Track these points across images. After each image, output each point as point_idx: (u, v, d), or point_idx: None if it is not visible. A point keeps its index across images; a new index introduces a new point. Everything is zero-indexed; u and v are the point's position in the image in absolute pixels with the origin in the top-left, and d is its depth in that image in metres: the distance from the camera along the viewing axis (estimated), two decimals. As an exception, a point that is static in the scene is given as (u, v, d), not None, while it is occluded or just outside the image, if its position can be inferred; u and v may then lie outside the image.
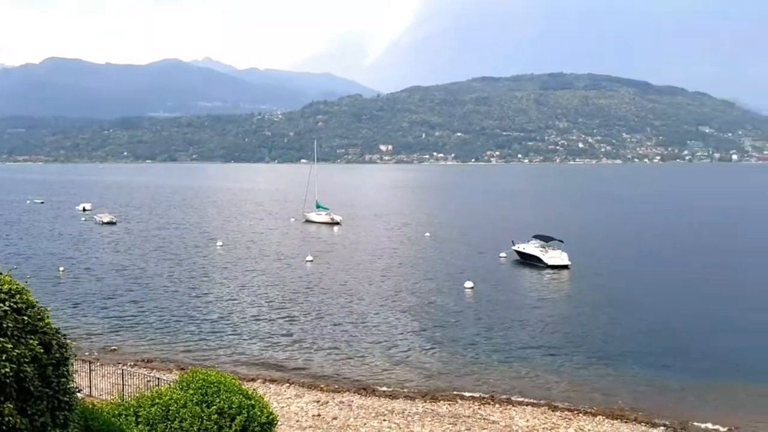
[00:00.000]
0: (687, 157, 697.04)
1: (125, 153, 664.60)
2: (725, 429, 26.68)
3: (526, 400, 29.85)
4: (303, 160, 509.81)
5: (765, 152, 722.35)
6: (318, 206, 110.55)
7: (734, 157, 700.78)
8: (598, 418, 27.59)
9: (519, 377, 33.23)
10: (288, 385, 31.49)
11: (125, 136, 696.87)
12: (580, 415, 27.95)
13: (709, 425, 27.03)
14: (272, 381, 32.07)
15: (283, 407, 27.36)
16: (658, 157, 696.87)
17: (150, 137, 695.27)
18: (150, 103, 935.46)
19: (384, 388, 31.42)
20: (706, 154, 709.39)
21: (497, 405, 29.05)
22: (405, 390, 31.24)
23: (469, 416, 27.40)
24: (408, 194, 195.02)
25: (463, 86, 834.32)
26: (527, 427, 26.26)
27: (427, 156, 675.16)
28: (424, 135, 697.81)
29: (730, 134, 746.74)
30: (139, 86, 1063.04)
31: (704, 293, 53.42)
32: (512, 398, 30.09)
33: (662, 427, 26.61)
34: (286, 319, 44.48)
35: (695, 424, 27.20)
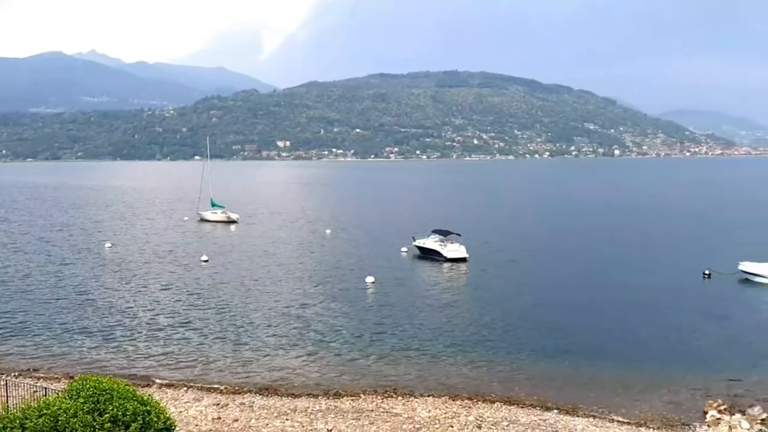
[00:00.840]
0: (574, 153, 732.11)
1: (4, 151, 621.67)
2: (610, 410, 28.11)
3: (427, 391, 30.28)
4: (196, 157, 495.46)
5: (644, 147, 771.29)
6: (213, 204, 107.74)
7: (616, 152, 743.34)
8: (496, 404, 28.40)
9: (421, 369, 33.67)
10: (186, 389, 30.43)
11: (4, 133, 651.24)
12: (480, 403, 28.67)
13: (596, 408, 28.37)
14: (169, 386, 30.88)
15: (181, 412, 26.41)
16: (548, 153, 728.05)
17: (31, 134, 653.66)
18: (31, 99, 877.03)
19: (286, 387, 30.98)
20: (591, 149, 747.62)
21: (400, 398, 29.30)
22: (308, 388, 30.94)
23: (372, 410, 27.48)
24: (307, 191, 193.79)
25: (361, 82, 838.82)
26: (429, 417, 26.63)
27: (326, 152, 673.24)
28: (322, 131, 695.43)
29: (612, 131, 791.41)
30: (19, 81, 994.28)
31: (593, 282, 56.29)
32: (414, 390, 30.44)
33: (555, 411, 27.71)
34: (182, 322, 42.94)
35: (584, 407, 28.49)
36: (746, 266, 54.71)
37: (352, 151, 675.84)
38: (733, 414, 26.92)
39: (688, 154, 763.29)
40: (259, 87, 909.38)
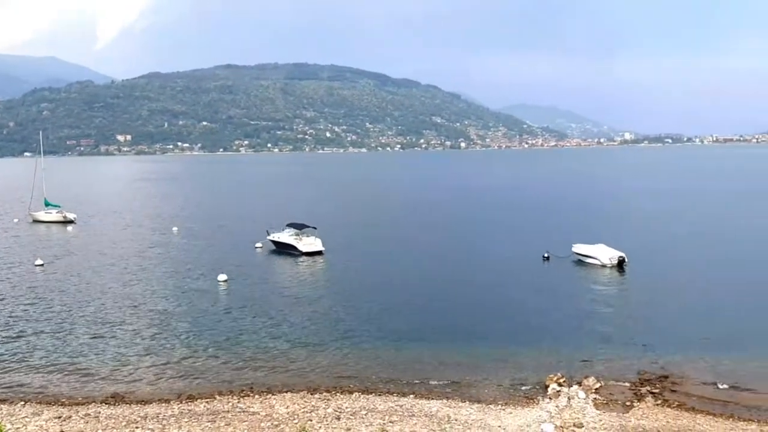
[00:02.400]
0: (423, 146, 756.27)
1: None
2: (462, 391, 29.34)
3: (285, 387, 29.95)
4: (27, 154, 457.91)
5: (487, 140, 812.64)
6: (47, 204, 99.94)
7: (462, 144, 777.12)
8: (354, 395, 28.68)
9: (278, 366, 33.24)
10: (23, 403, 27.97)
11: None
12: (338, 394, 28.82)
13: (449, 390, 29.53)
14: (3, 401, 28.23)
15: (18, 428, 24.24)
16: (399, 146, 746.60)
17: None
18: None
19: (135, 395, 29.36)
20: (439, 142, 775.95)
21: (257, 396, 28.75)
22: (158, 393, 29.52)
23: (228, 411, 26.75)
24: (151, 187, 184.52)
25: (207, 73, 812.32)
26: (287, 413, 26.37)
27: (171, 146, 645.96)
28: (166, 124, 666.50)
29: (458, 124, 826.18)
30: None
31: (443, 269, 58.31)
32: (272, 388, 29.99)
33: (411, 396, 28.47)
34: (17, 333, 39.36)
35: (438, 389, 29.55)
36: (579, 248, 59.27)
37: (199, 145, 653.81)
38: (571, 386, 29.03)
39: (526, 146, 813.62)
40: (94, 78, 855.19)
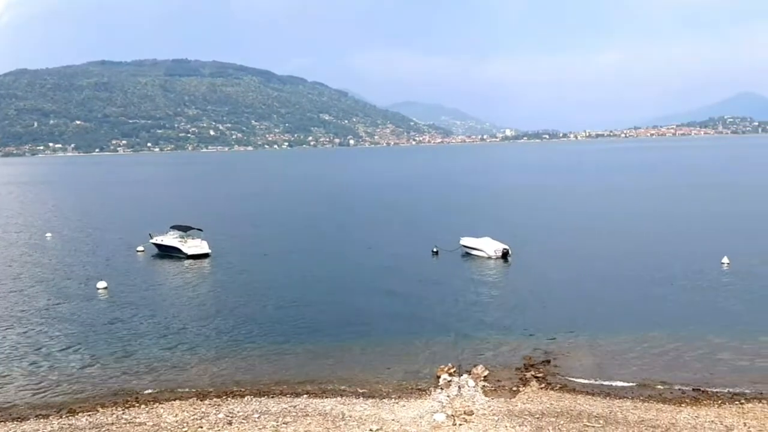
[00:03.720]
0: (312, 143, 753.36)
1: None
2: (356, 387, 29.44)
3: (173, 395, 28.83)
4: None
5: (376, 137, 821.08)
6: None
7: (351, 141, 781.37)
8: (246, 398, 28.04)
9: (164, 374, 31.96)
10: None
11: None
12: (229, 398, 28.08)
13: (343, 387, 29.51)
14: None
15: None
16: (287, 143, 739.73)
17: None
18: None
19: (9, 412, 27.25)
20: (327, 139, 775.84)
21: (143, 406, 27.49)
22: (36, 408, 27.56)
23: (112, 423, 25.40)
24: (19, 192, 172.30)
25: (79, 70, 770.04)
26: (176, 421, 25.39)
27: (41, 147, 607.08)
28: (36, 124, 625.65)
29: (346, 121, 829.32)
30: None
31: (335, 267, 58.24)
32: (159, 396, 28.79)
33: (305, 395, 28.21)
34: None
35: (332, 387, 29.45)
36: (466, 241, 61.07)
37: (72, 146, 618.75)
38: (461, 375, 29.83)
39: (413, 142, 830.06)
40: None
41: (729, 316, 38.62)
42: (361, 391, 28.73)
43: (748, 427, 23.59)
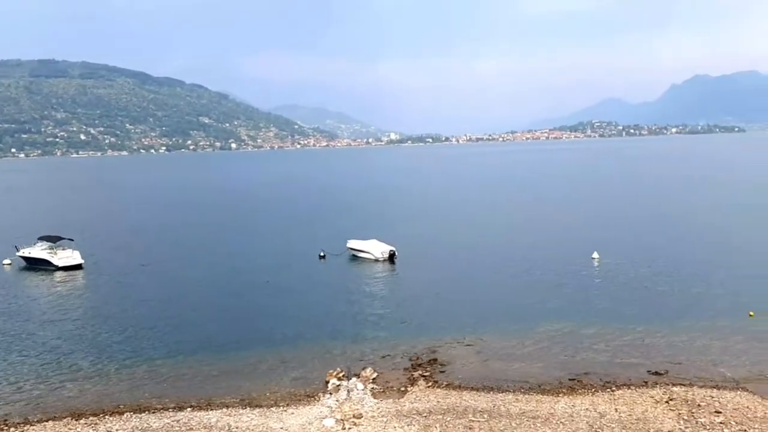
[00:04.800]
0: (191, 147, 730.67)
1: None
2: (243, 397, 28.78)
3: (46, 416, 26.96)
4: None
5: (259, 141, 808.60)
6: None
7: (233, 145, 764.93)
8: (125, 415, 26.69)
9: (35, 393, 29.84)
10: None
11: None
12: (107, 416, 26.65)
13: (229, 397, 28.76)
14: None
15: None
16: (164, 148, 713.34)
17: None
18: None
19: None
20: (208, 143, 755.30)
21: (12, 429, 25.54)
22: None
23: (-26, 454, 23.37)
24: None
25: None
26: (48, 446, 23.74)
27: None
28: None
29: (227, 125, 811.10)
30: None
31: (220, 274, 56.66)
32: (29, 418, 26.83)
33: (189, 409, 27.23)
34: None
35: (218, 398, 28.60)
36: (352, 244, 61.32)
37: None
38: (350, 378, 29.86)
39: (298, 146, 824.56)
40: None
41: (600, 309, 41.08)
42: (247, 401, 28.11)
43: (619, 413, 25.15)
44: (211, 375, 31.78)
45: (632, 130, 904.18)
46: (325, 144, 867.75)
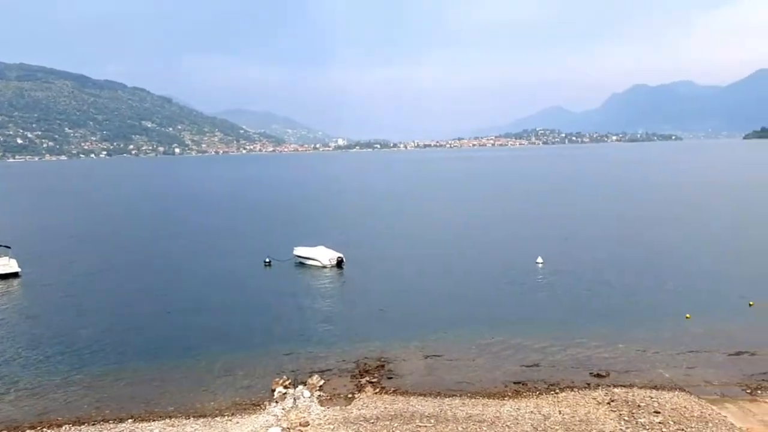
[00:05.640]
0: (134, 152, 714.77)
1: None
2: (186, 407, 28.18)
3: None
4: None
5: (203, 145, 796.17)
6: None
7: (177, 150, 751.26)
8: (64, 428, 25.89)
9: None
10: None
11: None
12: (45, 429, 25.82)
13: (172, 408, 28.13)
14: None
15: None
16: (105, 152, 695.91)
17: None
18: None
19: None
20: (151, 148, 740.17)
21: (-63, 449, 24.36)
22: None
23: None
24: None
25: None
26: (-21, 464, 22.72)
27: None
28: None
29: (171, 129, 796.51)
30: None
31: (159, 281, 55.43)
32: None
33: (129, 420, 26.52)
34: None
35: (160, 409, 27.94)
36: (299, 251, 60.84)
37: None
38: (297, 386, 29.57)
39: (244, 151, 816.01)
40: None
41: (544, 313, 41.81)
42: (191, 411, 27.52)
43: (563, 415, 25.61)
44: (153, 385, 31.00)
45: (574, 138, 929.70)
46: (271, 149, 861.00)
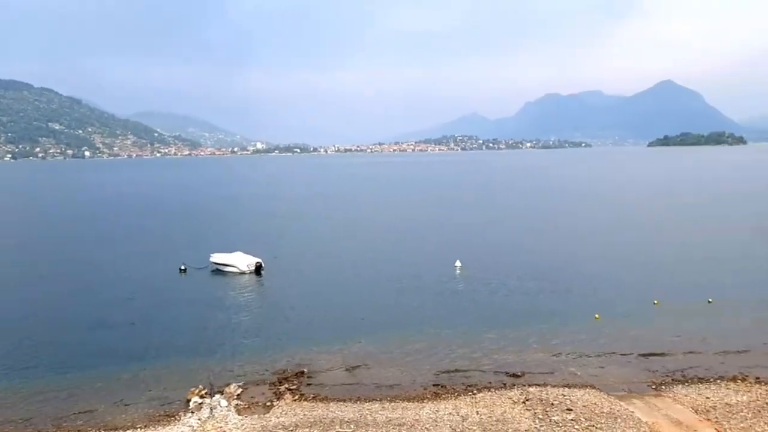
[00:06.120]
0: (40, 155, 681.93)
1: None
2: (96, 421, 27.03)
3: None
4: None
5: (115, 149, 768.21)
6: None
7: (87, 153, 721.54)
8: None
9: None
10: None
11: None
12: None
13: (81, 422, 26.91)
14: None
15: None
16: (10, 155, 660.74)
17: None
18: None
19: None
20: (59, 151, 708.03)
21: None
22: None
23: None
24: None
25: None
26: None
27: None
28: None
29: (80, 131, 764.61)
30: None
31: (69, 291, 52.98)
32: None
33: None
34: None
35: (68, 424, 26.71)
36: (216, 258, 59.45)
37: None
38: (213, 395, 28.84)
39: (158, 154, 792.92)
40: None
41: (462, 316, 42.52)
42: (101, 424, 26.43)
43: (480, 415, 26.07)
44: (61, 398, 29.56)
45: (491, 144, 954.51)
46: (187, 153, 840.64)
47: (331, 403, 27.96)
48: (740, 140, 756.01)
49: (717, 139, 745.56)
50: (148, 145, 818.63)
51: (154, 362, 34.46)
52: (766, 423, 24.62)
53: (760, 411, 25.88)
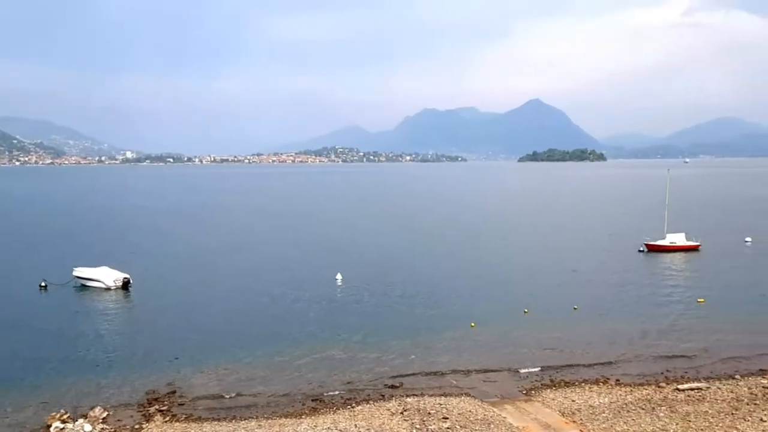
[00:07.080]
0: None
1: None
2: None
3: None
4: None
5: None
6: None
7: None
8: None
9: None
10: None
11: None
12: None
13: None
14: None
15: None
16: None
17: None
18: None
19: None
20: None
21: None
22: None
23: None
24: None
25: None
26: None
27: None
28: None
29: None
30: None
31: None
32: None
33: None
34: None
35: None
36: (80, 272, 55.87)
37: None
38: (77, 420, 26.89)
39: (17, 163, 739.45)
40: None
41: (341, 328, 42.35)
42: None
43: (359, 428, 25.94)
44: None
45: (372, 157, 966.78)
46: (49, 161, 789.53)
47: (205, 423, 26.86)
48: (601, 156, 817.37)
49: (580, 155, 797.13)
50: (6, 153, 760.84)
51: (11, 385, 31.76)
52: (625, 422, 26.20)
53: (619, 411, 27.52)
